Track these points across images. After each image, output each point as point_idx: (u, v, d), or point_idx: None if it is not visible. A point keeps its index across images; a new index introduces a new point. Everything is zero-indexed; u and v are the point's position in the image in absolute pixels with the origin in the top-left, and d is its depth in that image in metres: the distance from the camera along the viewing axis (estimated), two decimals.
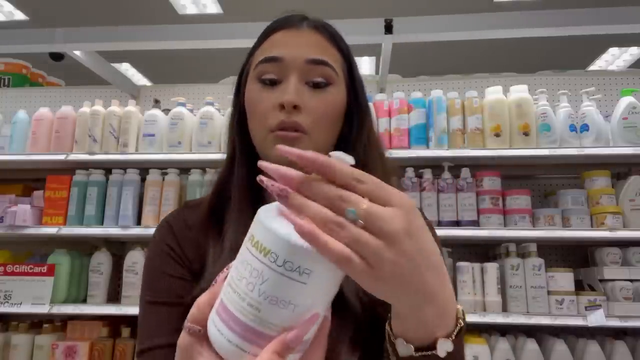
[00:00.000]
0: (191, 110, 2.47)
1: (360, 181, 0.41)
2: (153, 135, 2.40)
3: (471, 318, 2.03)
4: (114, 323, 2.34)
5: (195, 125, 2.39)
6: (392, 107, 2.30)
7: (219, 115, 2.42)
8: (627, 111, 2.20)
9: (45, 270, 2.26)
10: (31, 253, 2.59)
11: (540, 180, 2.53)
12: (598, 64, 5.77)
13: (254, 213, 0.44)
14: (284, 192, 0.41)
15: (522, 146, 2.18)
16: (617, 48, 5.42)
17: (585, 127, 2.21)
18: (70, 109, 2.51)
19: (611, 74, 2.87)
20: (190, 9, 4.75)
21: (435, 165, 2.29)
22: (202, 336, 0.46)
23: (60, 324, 2.38)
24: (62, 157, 2.39)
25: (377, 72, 3.21)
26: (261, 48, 0.72)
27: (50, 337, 2.28)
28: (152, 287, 0.71)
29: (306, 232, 0.39)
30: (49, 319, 2.39)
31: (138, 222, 2.35)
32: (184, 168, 2.40)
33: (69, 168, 2.48)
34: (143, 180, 2.40)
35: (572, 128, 2.21)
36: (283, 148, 0.42)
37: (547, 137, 2.19)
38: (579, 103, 2.31)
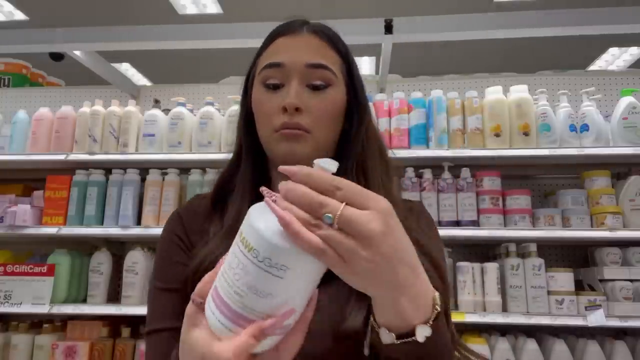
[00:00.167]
0: (191, 110, 2.47)
1: (338, 188, 0.46)
2: (153, 135, 2.40)
3: (471, 318, 2.04)
4: (114, 323, 2.34)
5: (195, 125, 2.39)
6: (392, 107, 2.30)
7: (219, 115, 2.42)
8: (627, 111, 2.20)
9: (45, 270, 2.27)
10: (31, 253, 2.59)
11: (540, 180, 2.53)
12: (598, 64, 5.77)
13: (256, 201, 0.50)
14: (273, 197, 0.47)
15: (522, 146, 2.18)
16: (617, 48, 5.42)
17: (585, 127, 2.21)
18: (70, 109, 2.51)
19: (611, 74, 2.87)
20: (190, 9, 4.75)
21: (435, 165, 2.29)
22: (204, 308, 0.52)
23: (60, 324, 2.38)
24: (62, 157, 2.39)
25: (377, 72, 3.21)
26: (265, 53, 0.78)
27: (50, 337, 2.28)
28: (161, 274, 0.77)
29: (287, 222, 0.44)
30: (49, 319, 2.39)
31: (138, 222, 2.35)
32: (184, 168, 2.40)
33: (69, 168, 2.48)
34: (143, 180, 2.40)
35: (572, 128, 2.21)
36: (281, 167, 0.48)
37: (547, 137, 2.19)
38: (579, 103, 2.31)
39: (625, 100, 2.22)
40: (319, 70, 0.74)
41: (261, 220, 0.46)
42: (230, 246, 0.49)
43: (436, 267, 0.69)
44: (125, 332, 2.27)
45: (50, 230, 2.31)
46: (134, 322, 2.34)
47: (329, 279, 0.50)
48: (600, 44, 5.26)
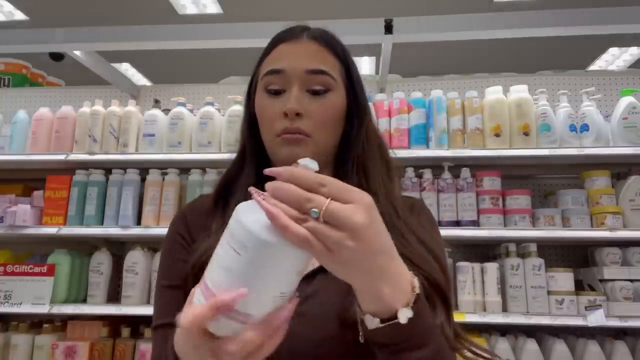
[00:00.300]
0: (191, 110, 2.47)
1: (322, 184, 0.49)
2: (153, 135, 2.40)
3: (471, 318, 2.04)
4: (114, 323, 2.34)
5: (195, 125, 2.39)
6: (392, 107, 2.30)
7: (219, 115, 2.42)
8: (627, 111, 2.20)
9: (45, 270, 2.27)
10: (31, 253, 2.59)
11: (540, 180, 2.53)
12: (598, 64, 5.77)
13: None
14: (261, 196, 0.49)
15: (522, 146, 2.18)
16: (617, 48, 5.42)
17: (585, 127, 2.21)
18: (70, 109, 2.51)
19: (611, 74, 2.87)
20: (190, 9, 4.75)
21: (435, 165, 2.29)
22: None
23: (60, 324, 2.38)
24: (62, 157, 2.39)
25: (377, 72, 3.21)
26: (267, 59, 0.80)
27: (50, 337, 2.28)
28: (165, 273, 0.80)
29: (275, 216, 0.46)
30: (49, 319, 2.39)
31: (138, 222, 2.35)
32: (184, 168, 2.40)
33: (69, 168, 2.48)
34: (143, 180, 2.40)
35: (572, 128, 2.21)
36: (266, 170, 0.51)
37: (547, 137, 2.19)
38: (579, 103, 2.31)
39: (625, 100, 2.22)
40: (319, 76, 0.76)
41: (248, 215, 0.49)
42: None
43: (438, 262, 0.71)
44: (125, 332, 2.27)
45: (50, 230, 2.31)
46: (134, 322, 2.34)
47: None
48: (600, 44, 5.26)
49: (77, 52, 2.49)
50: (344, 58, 0.81)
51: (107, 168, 2.44)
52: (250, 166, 0.82)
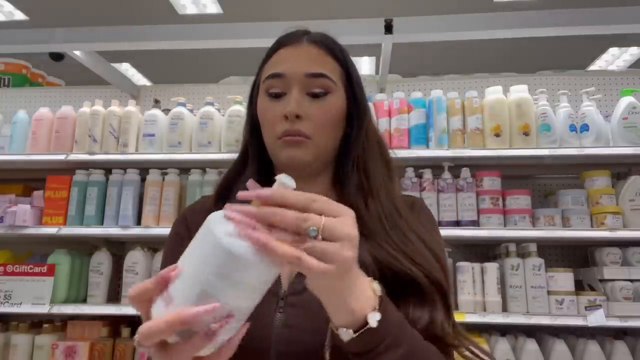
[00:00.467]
0: (191, 110, 2.47)
1: (314, 200, 0.52)
2: (153, 135, 2.40)
3: (471, 318, 2.04)
4: (114, 323, 2.34)
5: (195, 125, 2.39)
6: (392, 107, 2.30)
7: (219, 115, 2.42)
8: (627, 111, 2.20)
9: (45, 270, 2.27)
10: (31, 253, 2.59)
11: (540, 180, 2.53)
12: (598, 64, 5.76)
13: None
14: (240, 218, 0.50)
15: (522, 146, 2.18)
16: (617, 48, 5.41)
17: (585, 127, 2.21)
18: (70, 109, 2.51)
19: (611, 74, 2.87)
20: (190, 9, 4.75)
21: (435, 165, 2.29)
22: None
23: (60, 324, 2.37)
24: (62, 157, 2.39)
25: (377, 72, 3.21)
26: (268, 64, 0.82)
27: (50, 337, 2.28)
28: None
29: (262, 244, 0.48)
30: (49, 319, 2.39)
31: (138, 222, 2.35)
32: (184, 168, 2.40)
33: (69, 168, 2.48)
34: (143, 180, 2.40)
35: (572, 128, 2.21)
36: (242, 194, 0.52)
37: (547, 137, 2.19)
38: (579, 103, 2.31)
39: (625, 100, 2.22)
40: (318, 79, 0.77)
41: (219, 226, 0.50)
42: None
43: (438, 260, 0.72)
44: (125, 332, 2.27)
45: (50, 230, 2.31)
46: (134, 322, 2.34)
47: None
48: (600, 44, 5.26)
49: (77, 52, 2.49)
50: (343, 61, 0.82)
51: (107, 168, 2.44)
52: (253, 169, 0.84)
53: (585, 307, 2.03)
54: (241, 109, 2.36)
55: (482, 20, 2.32)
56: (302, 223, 0.50)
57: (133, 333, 2.27)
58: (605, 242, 2.20)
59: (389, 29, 2.24)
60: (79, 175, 2.42)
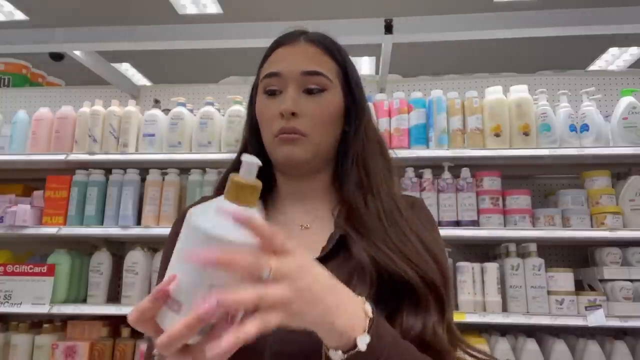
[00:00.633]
0: (191, 110, 2.47)
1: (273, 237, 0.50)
2: (153, 135, 2.40)
3: (471, 318, 2.04)
4: (114, 323, 2.34)
5: (195, 125, 2.39)
6: (392, 107, 2.30)
7: (219, 115, 2.42)
8: (627, 111, 2.20)
9: (45, 270, 2.27)
10: (31, 253, 2.59)
11: (540, 180, 2.53)
12: (598, 64, 5.76)
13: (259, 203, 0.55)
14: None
15: (522, 146, 2.19)
16: (617, 48, 5.41)
17: (585, 127, 2.21)
18: (70, 109, 2.51)
19: (611, 74, 2.87)
20: (190, 9, 4.75)
21: (435, 165, 2.29)
22: None
23: (60, 324, 2.38)
24: (62, 157, 2.39)
25: (377, 72, 3.21)
26: (266, 63, 0.83)
27: (50, 337, 2.28)
28: (163, 272, 0.83)
29: (225, 305, 0.46)
30: (49, 319, 2.39)
31: (138, 222, 2.35)
32: (184, 168, 2.40)
33: (69, 168, 2.48)
34: (143, 180, 2.40)
35: (572, 128, 2.21)
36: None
37: (547, 137, 2.19)
38: (579, 103, 2.31)
39: (625, 100, 2.22)
40: (314, 77, 0.78)
41: (200, 217, 0.51)
42: None
43: (437, 262, 0.71)
44: (125, 332, 2.27)
45: (50, 230, 2.31)
46: None
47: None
48: (600, 44, 5.25)
49: (77, 52, 2.50)
50: (341, 60, 0.82)
51: (107, 168, 2.44)
52: None
53: (585, 307, 2.03)
54: (241, 109, 2.36)
55: (482, 20, 2.32)
56: (256, 269, 0.48)
57: (133, 333, 2.28)
58: (605, 242, 2.20)
59: (389, 29, 2.24)
60: (79, 175, 2.42)
